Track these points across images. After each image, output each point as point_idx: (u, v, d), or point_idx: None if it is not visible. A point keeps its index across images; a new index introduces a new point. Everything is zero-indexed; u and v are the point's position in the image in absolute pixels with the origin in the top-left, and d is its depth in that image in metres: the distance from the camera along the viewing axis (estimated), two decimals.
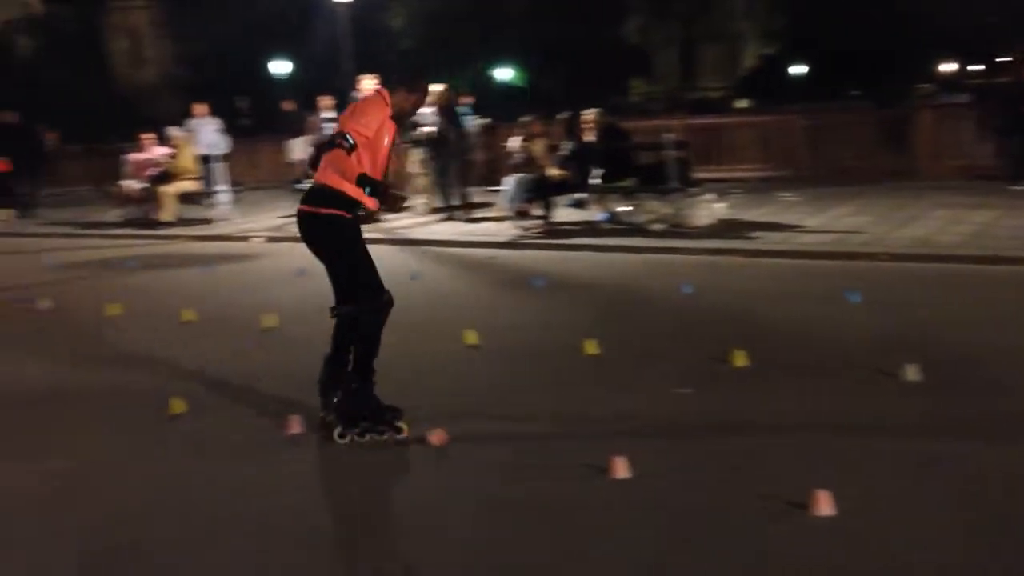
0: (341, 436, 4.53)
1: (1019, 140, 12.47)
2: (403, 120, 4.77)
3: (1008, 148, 12.62)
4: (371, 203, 4.44)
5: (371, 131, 4.39)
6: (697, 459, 4.16)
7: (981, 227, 9.48)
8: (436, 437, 4.46)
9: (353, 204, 4.47)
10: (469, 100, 16.34)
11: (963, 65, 59.47)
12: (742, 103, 48.68)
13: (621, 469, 3.94)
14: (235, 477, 4.23)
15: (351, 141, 4.33)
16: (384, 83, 4.87)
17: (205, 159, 15.03)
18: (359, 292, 4.56)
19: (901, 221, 10.13)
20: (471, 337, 6.27)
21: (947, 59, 58.26)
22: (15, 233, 14.72)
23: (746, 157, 15.77)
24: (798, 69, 50.83)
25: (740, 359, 5.43)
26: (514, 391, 5.31)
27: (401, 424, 4.57)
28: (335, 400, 4.59)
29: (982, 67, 51.66)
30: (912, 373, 4.94)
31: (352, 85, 13.05)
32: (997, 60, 40.09)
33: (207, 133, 15.43)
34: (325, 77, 23.47)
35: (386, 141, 4.51)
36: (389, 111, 4.54)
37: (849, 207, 11.38)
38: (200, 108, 15.57)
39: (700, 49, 55.61)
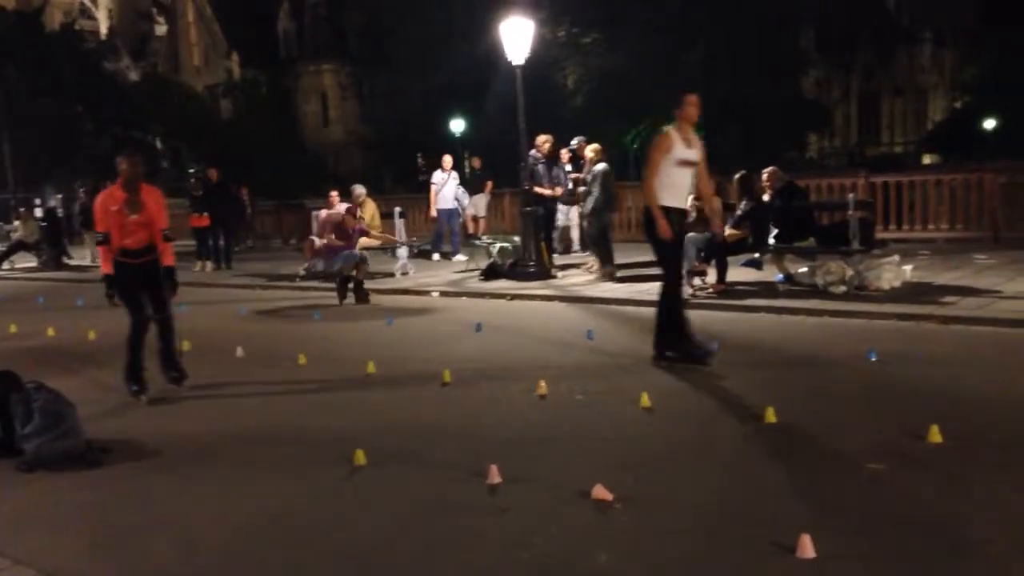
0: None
1: None
2: (133, 183, 7.02)
3: None
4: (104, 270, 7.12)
5: (102, 224, 6.99)
6: (892, 542, 3.93)
7: None
8: (599, 492, 4.52)
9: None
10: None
11: None
12: (929, 159, 46.57)
13: (808, 549, 3.78)
14: (438, 530, 4.32)
15: (100, 239, 7.05)
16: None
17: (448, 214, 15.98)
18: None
19: None
20: (645, 399, 6.20)
21: None
22: (212, 283, 15.76)
23: (934, 216, 15.05)
24: (990, 122, 48.16)
25: (935, 435, 5.12)
26: (690, 457, 5.21)
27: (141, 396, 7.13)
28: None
29: None
30: None
31: (528, 143, 13.34)
32: None
33: (451, 187, 16.25)
34: (500, 134, 24.11)
35: (115, 208, 6.90)
36: (115, 190, 6.99)
37: None
38: (447, 161, 16.44)
39: (882, 103, 53.79)
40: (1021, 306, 8.86)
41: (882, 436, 5.33)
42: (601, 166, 12.27)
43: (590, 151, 12.50)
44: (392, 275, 14.41)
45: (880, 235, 12.57)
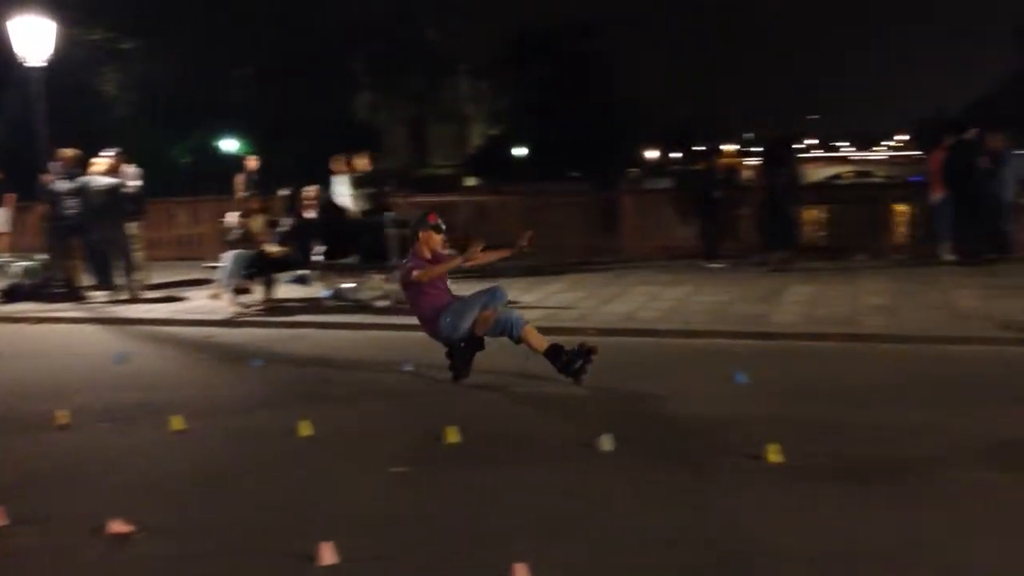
0: None
1: (710, 222, 13.83)
2: None
3: (704, 229, 13.92)
4: None
5: None
6: (409, 540, 4.16)
7: (677, 303, 10.34)
8: (116, 526, 4.24)
9: None
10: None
11: (664, 152, 65.52)
12: (471, 181, 50.54)
13: (328, 556, 3.86)
14: None
15: None
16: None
17: None
18: None
19: (608, 297, 10.83)
20: (177, 422, 5.95)
21: (651, 146, 63.99)
22: None
23: (470, 235, 16.27)
24: (521, 151, 53.62)
25: (453, 436, 5.53)
26: (220, 478, 5.09)
27: None
28: None
29: (680, 154, 57.18)
30: (607, 443, 5.26)
31: (49, 153, 12.22)
32: (694, 148, 44.45)
33: None
34: (19, 140, 21.71)
35: None
36: None
37: (562, 284, 12.02)
38: None
39: (429, 128, 57.42)
40: (534, 314, 9.80)
41: (408, 440, 5.64)
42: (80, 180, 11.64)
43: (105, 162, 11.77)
44: None
45: None
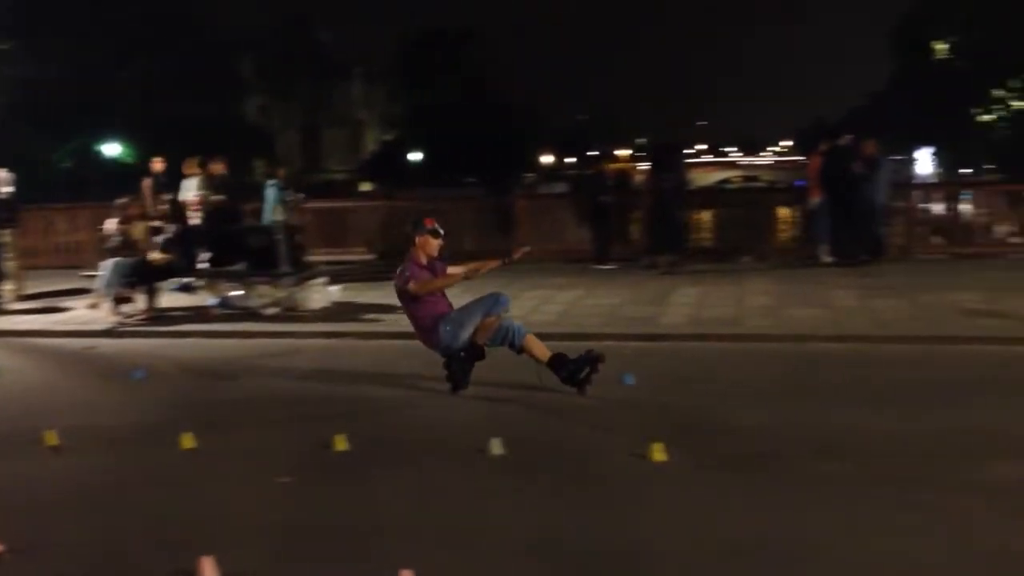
0: None
1: (601, 226, 14.04)
2: None
3: (596, 232, 14.13)
4: None
5: None
6: (293, 550, 4.09)
7: (568, 306, 10.45)
8: None
9: None
10: (280, 174, 15.06)
11: (559, 157, 66.27)
12: (366, 186, 50.22)
13: (209, 570, 3.75)
14: None
15: None
16: None
17: None
18: None
19: None
20: (52, 438, 5.71)
21: (547, 151, 64.62)
22: None
23: (366, 240, 16.13)
24: (416, 156, 53.44)
25: (341, 443, 5.46)
26: (98, 494, 4.90)
27: None
28: None
29: (575, 159, 58.01)
30: (496, 447, 5.27)
31: None
32: (588, 153, 45.07)
33: None
34: None
35: None
36: None
37: (456, 288, 11.92)
38: None
39: (323, 132, 56.74)
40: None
41: (295, 449, 5.54)
42: None
43: None
44: None
45: (318, 257, 13.09)
